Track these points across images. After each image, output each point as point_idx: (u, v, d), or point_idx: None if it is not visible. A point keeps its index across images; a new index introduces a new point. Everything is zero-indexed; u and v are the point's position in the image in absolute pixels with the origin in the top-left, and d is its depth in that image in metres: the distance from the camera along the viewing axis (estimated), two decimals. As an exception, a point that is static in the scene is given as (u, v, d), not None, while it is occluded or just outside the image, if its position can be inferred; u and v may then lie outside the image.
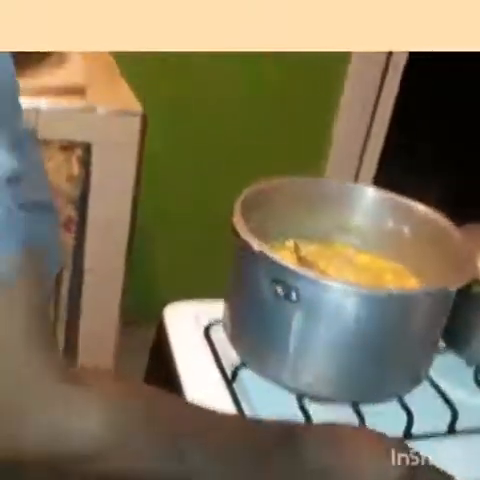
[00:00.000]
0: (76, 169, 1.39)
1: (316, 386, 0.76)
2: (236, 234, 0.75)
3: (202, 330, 0.90)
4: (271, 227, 0.88)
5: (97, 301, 1.51)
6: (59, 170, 1.37)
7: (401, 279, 0.87)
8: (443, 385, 0.84)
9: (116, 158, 1.40)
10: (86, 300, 1.50)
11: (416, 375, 0.81)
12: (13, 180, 0.50)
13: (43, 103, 1.27)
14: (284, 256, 0.79)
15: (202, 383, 0.83)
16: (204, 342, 0.88)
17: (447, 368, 0.88)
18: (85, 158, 1.38)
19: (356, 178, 2.02)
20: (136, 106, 1.40)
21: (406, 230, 0.89)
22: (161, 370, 0.89)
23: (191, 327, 0.91)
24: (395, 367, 0.77)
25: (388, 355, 0.76)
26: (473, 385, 0.88)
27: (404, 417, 0.79)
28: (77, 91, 1.34)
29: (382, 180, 1.84)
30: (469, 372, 0.90)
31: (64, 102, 1.31)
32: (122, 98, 1.42)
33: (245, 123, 1.92)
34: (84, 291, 1.49)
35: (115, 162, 1.41)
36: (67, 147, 1.36)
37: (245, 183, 0.85)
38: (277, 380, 0.78)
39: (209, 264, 1.49)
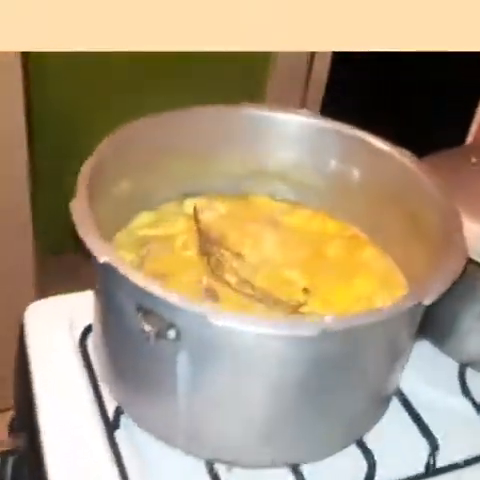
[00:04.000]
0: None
1: (226, 451, 0.49)
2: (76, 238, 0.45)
3: (77, 340, 0.62)
4: (155, 186, 0.60)
5: (8, 237, 1.32)
6: None
7: (353, 250, 0.59)
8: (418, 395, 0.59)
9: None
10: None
11: (377, 407, 0.54)
12: None
13: None
14: (163, 248, 0.52)
15: (72, 429, 0.56)
16: (78, 360, 0.60)
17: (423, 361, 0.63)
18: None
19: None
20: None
21: (356, 173, 0.60)
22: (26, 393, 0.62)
23: (61, 336, 0.63)
24: (342, 414, 0.50)
25: (327, 405, 0.48)
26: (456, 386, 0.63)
27: (364, 463, 0.54)
28: None
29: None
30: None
31: None
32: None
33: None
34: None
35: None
36: None
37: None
38: (171, 443, 0.51)
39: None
